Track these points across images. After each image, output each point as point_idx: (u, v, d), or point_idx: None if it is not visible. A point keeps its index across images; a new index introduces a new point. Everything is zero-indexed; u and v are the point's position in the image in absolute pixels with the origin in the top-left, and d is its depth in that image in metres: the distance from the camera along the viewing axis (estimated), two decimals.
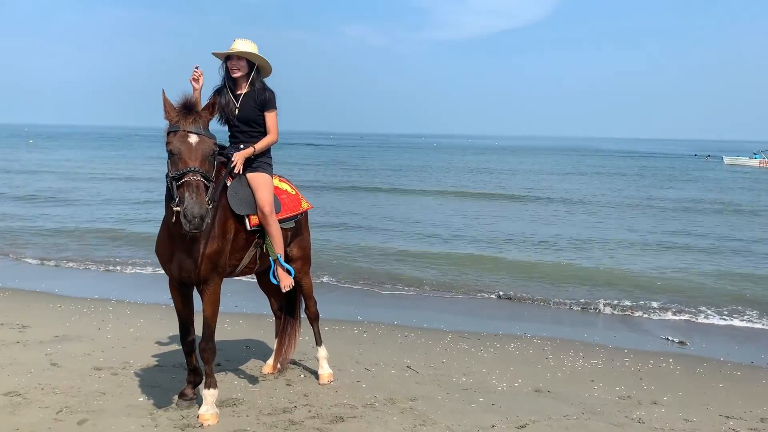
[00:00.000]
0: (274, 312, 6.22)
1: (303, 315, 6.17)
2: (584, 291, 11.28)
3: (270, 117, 5.28)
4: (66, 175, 33.50)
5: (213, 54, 5.17)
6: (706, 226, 20.19)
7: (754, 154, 64.19)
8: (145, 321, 8.20)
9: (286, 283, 5.21)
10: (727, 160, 65.88)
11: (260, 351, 6.98)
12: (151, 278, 11.39)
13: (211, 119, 4.39)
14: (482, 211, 22.03)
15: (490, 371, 6.73)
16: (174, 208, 4.07)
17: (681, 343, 8.56)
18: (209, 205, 4.10)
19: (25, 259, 12.79)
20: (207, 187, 4.10)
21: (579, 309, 10.16)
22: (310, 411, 5.14)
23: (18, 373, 5.72)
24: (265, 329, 7.89)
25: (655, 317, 9.85)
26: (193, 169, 4.04)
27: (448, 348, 7.64)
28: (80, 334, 7.34)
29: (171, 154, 4.15)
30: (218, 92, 5.18)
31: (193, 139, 4.15)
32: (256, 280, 6.27)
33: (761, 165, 59.74)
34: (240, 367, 6.27)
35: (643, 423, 5.35)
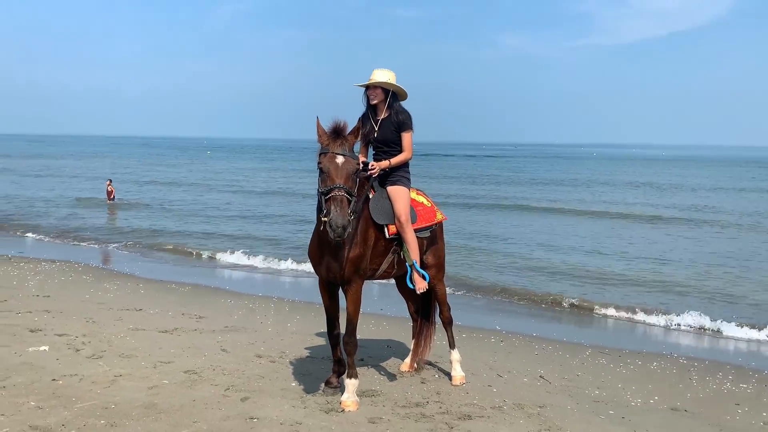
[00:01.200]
0: (411, 314, 6.70)
1: (438, 320, 6.59)
2: (744, 317, 10.57)
3: (406, 137, 5.78)
4: (239, 188, 36.69)
5: (355, 85, 5.80)
6: None
7: None
8: (300, 318, 9.06)
9: (421, 285, 5.66)
10: None
11: (399, 350, 7.49)
12: (307, 281, 12.42)
13: (355, 142, 4.99)
14: (645, 235, 20.91)
15: (626, 386, 6.70)
16: (322, 219, 4.70)
17: None
18: (351, 216, 4.68)
19: (199, 260, 14.45)
20: (350, 201, 4.68)
21: (734, 334, 9.59)
22: (440, 407, 5.53)
23: (195, 356, 6.68)
24: (406, 331, 8.38)
25: None
26: (338, 186, 4.66)
27: (585, 362, 7.66)
28: (246, 325, 8.32)
29: (321, 172, 4.81)
30: (364, 118, 5.77)
31: (340, 159, 4.79)
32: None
33: None
34: (381, 364, 6.80)
35: None
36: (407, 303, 6.68)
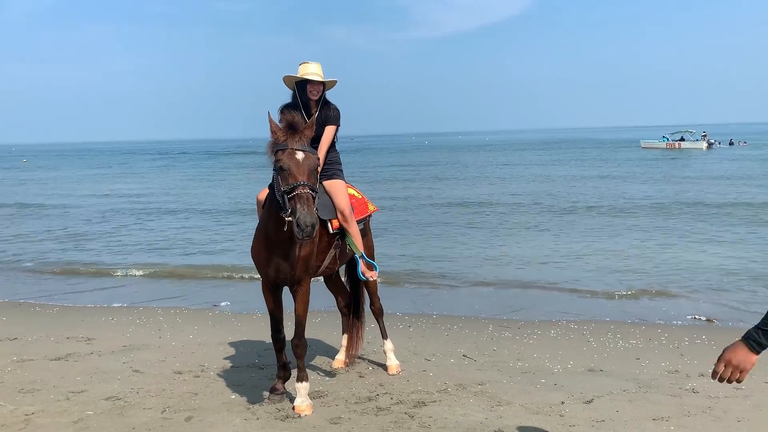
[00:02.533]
0: (340, 309, 6.61)
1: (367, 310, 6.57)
2: (597, 280, 11.70)
3: (328, 130, 5.59)
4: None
5: (287, 77, 5.51)
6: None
7: (663, 137, 70.98)
8: (199, 328, 8.53)
9: (372, 275, 5.59)
10: (643, 144, 73.92)
11: (320, 348, 7.34)
12: (191, 287, 11.75)
13: (311, 136, 4.77)
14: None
15: (541, 356, 7.12)
16: (286, 218, 4.46)
17: (708, 321, 9.00)
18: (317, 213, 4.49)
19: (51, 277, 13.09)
20: (314, 198, 4.48)
21: (598, 295, 10.57)
22: (391, 398, 5.53)
23: (107, 381, 6.06)
24: (315, 328, 8.24)
25: (672, 299, 10.21)
26: (302, 183, 4.43)
27: (493, 337, 8.03)
28: (145, 342, 7.68)
29: (281, 169, 4.53)
30: (293, 109, 5.32)
31: (300, 155, 4.55)
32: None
33: (668, 147, 66.63)
34: (311, 363, 6.63)
35: (698, 393, 5.77)
36: (336, 298, 6.58)
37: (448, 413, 5.17)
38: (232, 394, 5.64)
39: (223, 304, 10.30)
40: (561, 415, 5.15)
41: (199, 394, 5.66)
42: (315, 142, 5.57)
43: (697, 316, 9.17)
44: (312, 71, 5.46)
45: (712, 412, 5.24)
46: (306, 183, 4.42)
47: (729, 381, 2.68)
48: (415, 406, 5.32)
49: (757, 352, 2.64)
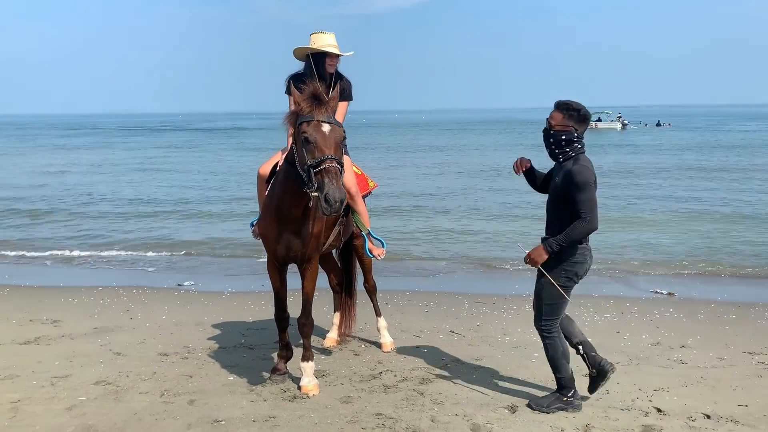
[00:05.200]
0: (332, 287, 6.48)
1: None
2: None
3: (341, 106, 5.42)
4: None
5: (298, 49, 5.24)
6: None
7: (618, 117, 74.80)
8: (169, 308, 8.21)
9: (378, 252, 5.47)
10: (599, 124, 77.20)
11: None
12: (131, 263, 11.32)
13: (336, 108, 4.56)
14: None
15: (525, 330, 7.19)
16: (311, 194, 4.25)
17: (669, 294, 9.36)
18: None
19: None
20: (341, 172, 4.29)
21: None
22: (395, 376, 5.46)
23: (90, 364, 5.74)
24: (298, 306, 8.07)
25: (635, 274, 10.58)
26: (330, 156, 4.21)
27: (473, 312, 8.07)
28: (117, 324, 7.33)
29: (306, 142, 4.29)
30: (305, 80, 5.10)
31: (326, 127, 4.32)
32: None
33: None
34: (299, 342, 6.48)
35: (686, 363, 5.97)
36: (329, 276, 6.44)
37: (456, 389, 5.15)
38: (230, 376, 5.44)
39: (187, 283, 9.96)
40: None
41: (194, 376, 5.43)
42: None
43: (658, 290, 9.50)
44: (329, 43, 5.21)
45: (706, 381, 5.43)
46: (333, 157, 4.22)
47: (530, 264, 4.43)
48: (421, 383, 5.28)
49: (549, 254, 4.26)
